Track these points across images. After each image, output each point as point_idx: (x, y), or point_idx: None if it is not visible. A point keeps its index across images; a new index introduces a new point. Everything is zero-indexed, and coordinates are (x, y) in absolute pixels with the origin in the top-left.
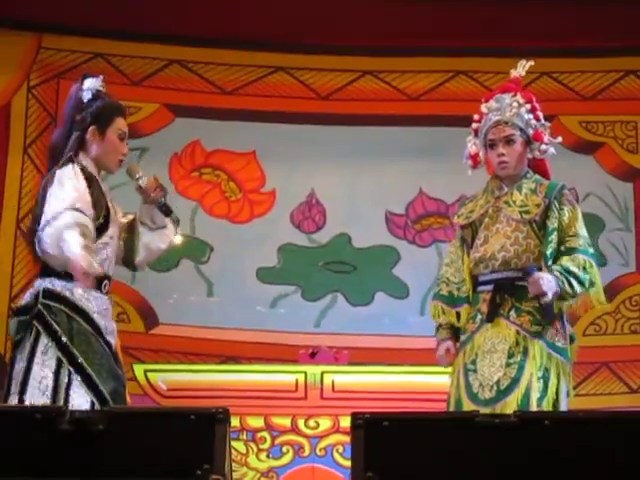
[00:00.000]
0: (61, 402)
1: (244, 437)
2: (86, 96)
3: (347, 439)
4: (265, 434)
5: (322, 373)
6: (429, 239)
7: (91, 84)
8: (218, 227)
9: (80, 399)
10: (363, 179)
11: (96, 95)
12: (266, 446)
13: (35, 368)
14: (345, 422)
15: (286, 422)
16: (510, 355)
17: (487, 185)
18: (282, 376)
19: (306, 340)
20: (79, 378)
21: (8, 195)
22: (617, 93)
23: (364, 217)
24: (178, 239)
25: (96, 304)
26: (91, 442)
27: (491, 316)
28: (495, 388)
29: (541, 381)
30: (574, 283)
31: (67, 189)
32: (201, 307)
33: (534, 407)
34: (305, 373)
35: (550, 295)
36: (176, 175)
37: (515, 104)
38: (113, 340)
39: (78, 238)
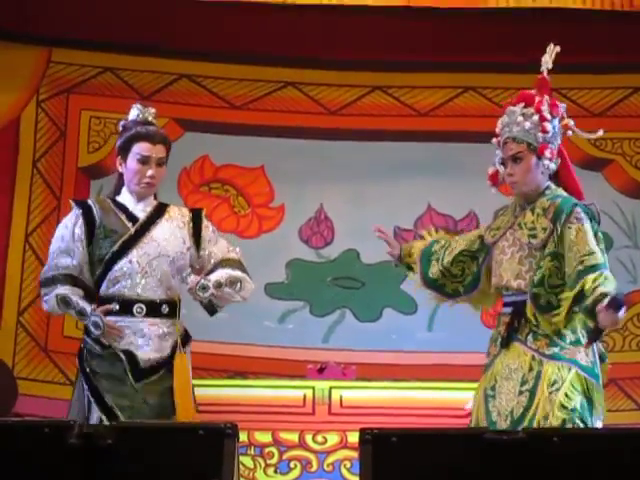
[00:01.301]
0: None
1: (252, 452)
2: (120, 130)
3: (355, 455)
4: (273, 449)
5: (330, 388)
6: None
7: (129, 116)
8: None
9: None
10: (372, 194)
11: (124, 126)
12: (274, 461)
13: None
14: (353, 437)
15: (294, 437)
16: (523, 383)
17: (514, 202)
18: (290, 391)
19: (314, 356)
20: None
21: (17, 210)
22: (626, 110)
23: (373, 233)
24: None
25: (128, 330)
26: (99, 457)
27: (506, 341)
28: (510, 418)
29: (556, 394)
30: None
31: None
32: (209, 322)
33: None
34: (313, 388)
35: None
36: (185, 190)
37: (520, 118)
38: (145, 356)
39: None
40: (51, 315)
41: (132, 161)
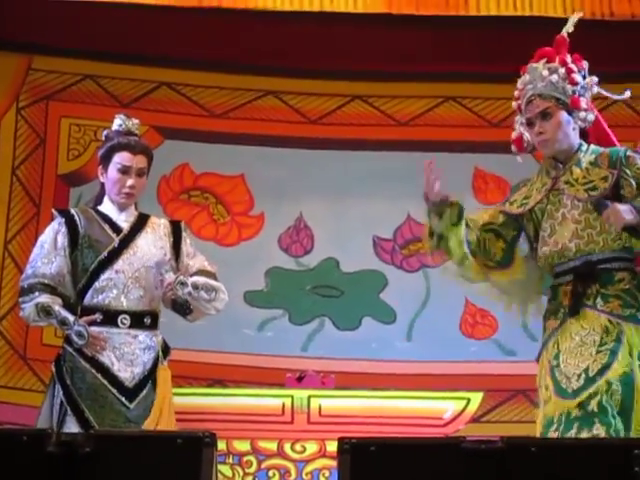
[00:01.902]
0: None
1: (230, 461)
2: (103, 140)
3: (333, 464)
4: (251, 458)
5: (309, 397)
6: (417, 264)
7: (112, 126)
8: (206, 250)
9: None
10: (351, 203)
11: (106, 136)
12: (252, 470)
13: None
14: (331, 446)
15: (272, 446)
16: (601, 344)
17: (541, 167)
18: (269, 400)
19: (293, 364)
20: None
21: None
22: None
23: (352, 241)
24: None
25: (107, 342)
26: (78, 465)
27: (574, 309)
28: (584, 376)
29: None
30: None
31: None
32: (188, 330)
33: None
34: (292, 397)
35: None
36: (164, 198)
37: (546, 72)
38: (128, 374)
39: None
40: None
41: (113, 171)
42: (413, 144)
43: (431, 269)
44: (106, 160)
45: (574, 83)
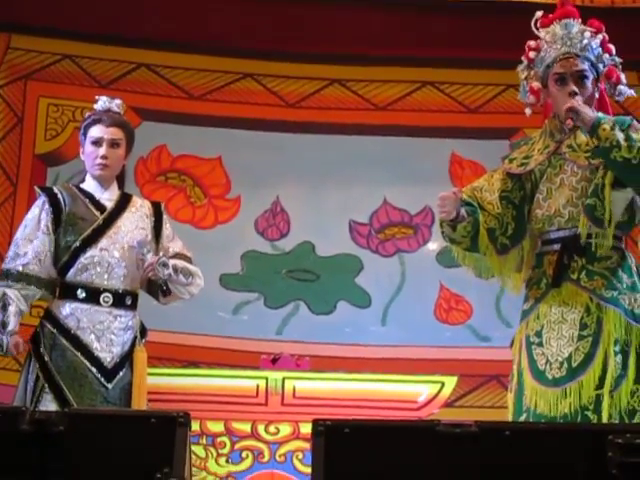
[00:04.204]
0: None
1: (204, 442)
2: None
3: (307, 446)
4: (225, 439)
5: (283, 379)
6: (392, 249)
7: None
8: (182, 232)
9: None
10: (328, 188)
11: (85, 117)
12: (226, 451)
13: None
14: (305, 428)
15: (246, 427)
16: (582, 326)
17: (545, 127)
18: (243, 381)
19: (268, 347)
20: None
21: None
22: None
23: (328, 226)
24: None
25: (88, 319)
26: (51, 443)
27: (558, 280)
28: (566, 365)
29: (619, 357)
30: (624, 135)
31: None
32: (163, 312)
33: (609, 388)
34: (266, 379)
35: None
36: (141, 179)
37: (587, 34)
38: (107, 354)
39: None
40: None
41: (87, 145)
42: (391, 129)
43: (407, 254)
44: (83, 137)
45: (611, 53)
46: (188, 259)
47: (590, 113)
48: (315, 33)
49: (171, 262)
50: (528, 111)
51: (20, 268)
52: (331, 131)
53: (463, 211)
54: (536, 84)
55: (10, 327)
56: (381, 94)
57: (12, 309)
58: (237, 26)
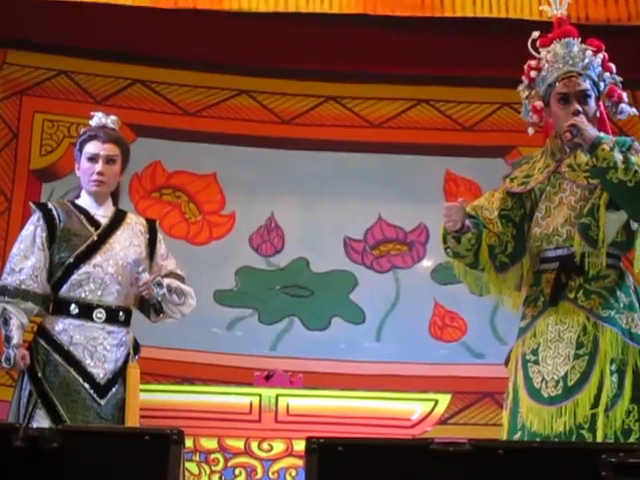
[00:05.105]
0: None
1: (197, 458)
2: None
3: (300, 463)
4: (218, 456)
5: (277, 396)
6: (387, 265)
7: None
8: (177, 248)
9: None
10: (323, 204)
11: (81, 133)
12: (219, 468)
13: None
14: (299, 446)
15: (239, 444)
16: (579, 345)
17: (546, 146)
18: (236, 398)
19: (262, 363)
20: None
21: None
22: None
23: (323, 242)
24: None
25: (81, 335)
26: (44, 460)
27: (555, 298)
28: (562, 384)
29: (615, 376)
30: (622, 157)
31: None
32: (157, 328)
33: (604, 407)
34: (260, 395)
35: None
36: (136, 195)
37: (589, 52)
38: (100, 370)
39: None
40: None
41: (83, 161)
42: (385, 146)
43: (401, 270)
44: (79, 153)
45: (612, 72)
46: (181, 278)
47: (591, 131)
48: (310, 50)
49: (165, 281)
50: (531, 130)
51: (17, 284)
52: (326, 148)
53: (468, 222)
54: (539, 103)
55: (15, 340)
56: (376, 111)
57: (14, 322)
58: (232, 43)
